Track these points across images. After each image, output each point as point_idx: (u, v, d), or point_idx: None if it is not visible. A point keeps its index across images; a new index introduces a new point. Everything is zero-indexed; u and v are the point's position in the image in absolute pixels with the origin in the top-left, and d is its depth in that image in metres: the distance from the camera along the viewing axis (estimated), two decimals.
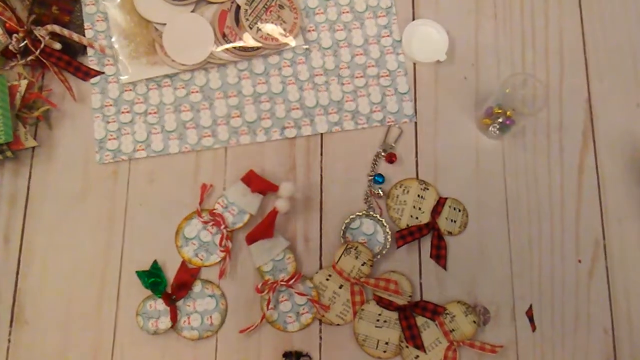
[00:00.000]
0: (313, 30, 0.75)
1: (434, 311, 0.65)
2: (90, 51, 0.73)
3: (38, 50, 0.70)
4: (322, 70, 0.74)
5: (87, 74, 0.72)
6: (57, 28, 0.71)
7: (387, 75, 0.74)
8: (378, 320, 0.65)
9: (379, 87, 0.73)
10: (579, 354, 0.66)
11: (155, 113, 0.71)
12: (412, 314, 0.65)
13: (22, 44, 0.70)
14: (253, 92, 0.73)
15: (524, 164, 0.71)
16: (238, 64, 0.73)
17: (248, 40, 0.73)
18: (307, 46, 0.74)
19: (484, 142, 0.72)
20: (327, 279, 0.66)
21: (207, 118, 0.71)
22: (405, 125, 0.72)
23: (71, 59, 0.71)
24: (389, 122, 0.72)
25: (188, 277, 0.66)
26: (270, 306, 0.64)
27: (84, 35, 0.73)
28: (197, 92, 0.72)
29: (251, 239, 0.66)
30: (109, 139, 0.70)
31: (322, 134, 0.72)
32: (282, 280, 0.65)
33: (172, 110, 0.72)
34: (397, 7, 0.76)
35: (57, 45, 0.71)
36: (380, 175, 0.69)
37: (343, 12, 0.76)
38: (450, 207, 0.69)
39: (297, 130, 0.71)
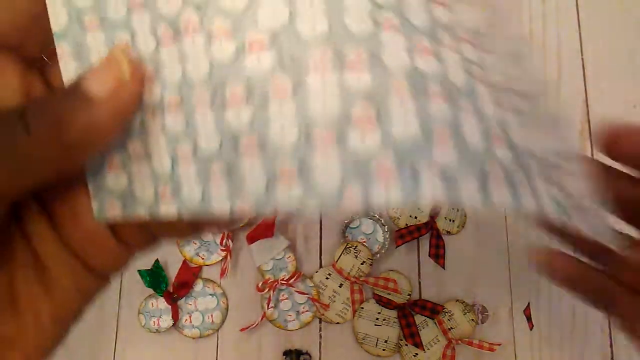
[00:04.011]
0: None
1: (433, 310, 0.65)
2: None
3: None
4: None
5: None
6: None
7: None
8: (377, 319, 0.66)
9: None
10: (576, 352, 0.66)
11: None
12: (411, 313, 0.66)
13: None
14: None
15: None
16: None
17: None
18: None
19: None
20: (327, 278, 0.67)
21: None
22: None
23: None
24: None
25: (189, 276, 0.66)
26: (270, 305, 0.65)
27: None
28: None
29: (252, 239, 0.67)
30: None
31: None
32: (282, 279, 0.65)
33: None
34: None
35: None
36: None
37: None
38: (448, 206, 0.70)
39: None
